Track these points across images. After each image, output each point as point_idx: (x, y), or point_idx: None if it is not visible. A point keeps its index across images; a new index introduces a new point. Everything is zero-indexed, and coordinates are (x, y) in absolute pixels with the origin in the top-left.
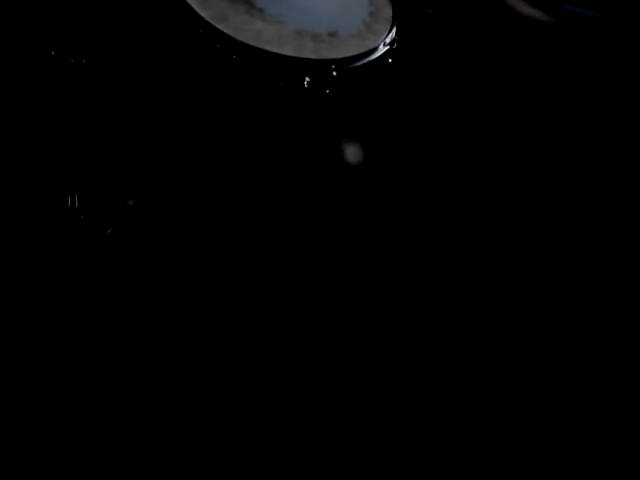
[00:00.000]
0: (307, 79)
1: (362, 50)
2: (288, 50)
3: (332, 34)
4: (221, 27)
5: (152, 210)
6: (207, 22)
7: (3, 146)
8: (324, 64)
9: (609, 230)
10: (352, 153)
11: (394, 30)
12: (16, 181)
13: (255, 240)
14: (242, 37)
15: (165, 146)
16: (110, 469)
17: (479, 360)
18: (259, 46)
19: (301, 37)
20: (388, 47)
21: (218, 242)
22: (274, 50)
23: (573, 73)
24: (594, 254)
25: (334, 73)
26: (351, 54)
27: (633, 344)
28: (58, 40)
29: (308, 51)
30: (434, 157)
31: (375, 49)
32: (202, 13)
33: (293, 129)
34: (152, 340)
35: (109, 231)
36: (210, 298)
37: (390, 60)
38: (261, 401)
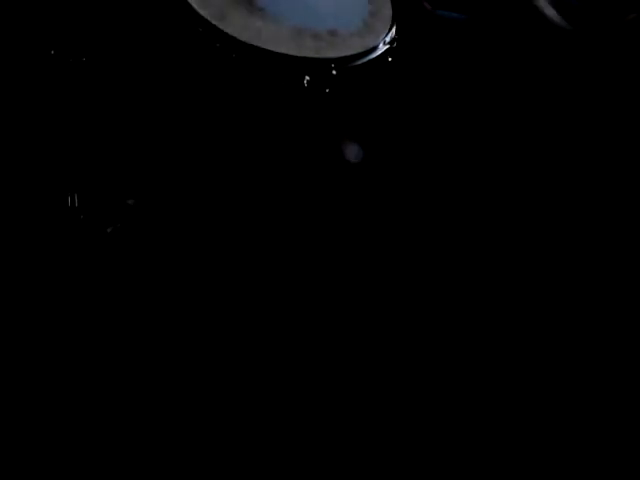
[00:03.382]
0: (307, 78)
1: (362, 49)
2: (288, 49)
3: (332, 33)
4: (221, 26)
5: (152, 210)
6: (207, 21)
7: (3, 146)
8: (324, 63)
9: (609, 230)
10: (352, 152)
11: (394, 29)
12: (16, 181)
13: (255, 239)
14: (242, 36)
15: (165, 145)
16: (110, 469)
17: (479, 360)
18: (259, 45)
19: (301, 36)
20: (388, 46)
21: (218, 241)
22: (274, 49)
23: (574, 73)
24: (594, 254)
25: (334, 72)
26: (351, 53)
27: (633, 344)
28: (58, 39)
29: (308, 50)
30: (434, 156)
31: (375, 48)
32: (202, 12)
33: (293, 128)
34: (152, 340)
35: (109, 230)
36: (210, 297)
37: (390, 59)
38: (261, 401)
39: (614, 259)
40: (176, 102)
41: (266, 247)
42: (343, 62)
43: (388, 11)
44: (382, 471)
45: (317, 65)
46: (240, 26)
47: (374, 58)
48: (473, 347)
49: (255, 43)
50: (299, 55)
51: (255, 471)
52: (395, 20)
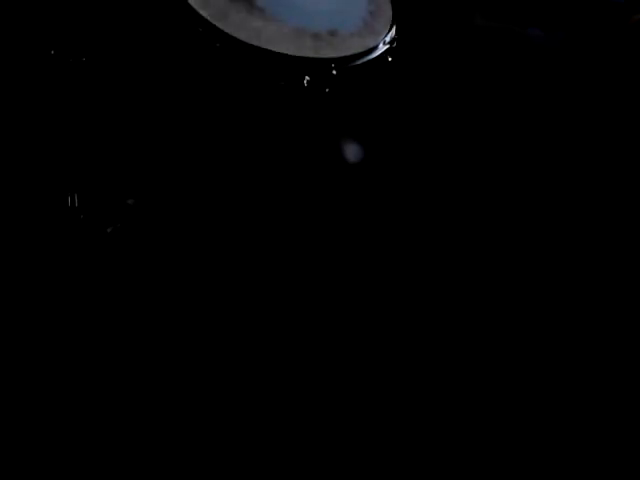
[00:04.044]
0: (307, 78)
1: (362, 49)
2: (288, 49)
3: (332, 33)
4: (221, 26)
5: (152, 209)
6: (207, 21)
7: (3, 146)
8: (324, 63)
9: (609, 230)
10: (352, 152)
11: (394, 29)
12: (16, 181)
13: (255, 239)
14: (242, 36)
15: (165, 145)
16: (110, 469)
17: (479, 360)
18: (259, 45)
19: (301, 36)
20: (388, 46)
21: (218, 241)
22: (274, 49)
23: (571, 75)
24: (594, 254)
25: (334, 72)
26: (351, 53)
27: (633, 344)
28: (58, 39)
29: (308, 50)
30: (434, 156)
31: (375, 48)
32: (202, 12)
33: (293, 128)
34: (152, 340)
35: (109, 230)
36: (210, 297)
37: (390, 59)
38: (261, 401)
39: (614, 259)
40: (176, 102)
41: (266, 247)
42: (343, 62)
43: (388, 11)
44: (382, 471)
45: (317, 65)
46: (240, 26)
47: (374, 58)
48: (473, 347)
49: (255, 43)
50: (299, 55)
51: (255, 471)
52: (395, 20)
